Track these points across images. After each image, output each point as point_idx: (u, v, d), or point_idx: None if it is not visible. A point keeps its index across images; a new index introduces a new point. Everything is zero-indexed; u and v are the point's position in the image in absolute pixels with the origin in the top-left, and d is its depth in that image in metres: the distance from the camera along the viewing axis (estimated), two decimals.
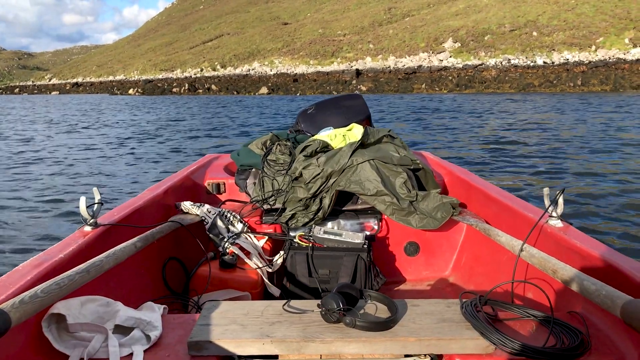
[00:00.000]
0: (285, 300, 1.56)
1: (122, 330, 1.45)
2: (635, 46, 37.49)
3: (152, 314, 1.53)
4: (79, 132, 17.14)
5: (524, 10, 49.20)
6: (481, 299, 1.53)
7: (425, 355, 1.41)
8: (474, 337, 1.36)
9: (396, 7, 73.93)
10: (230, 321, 1.46)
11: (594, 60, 36.97)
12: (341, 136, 2.74)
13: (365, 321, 1.40)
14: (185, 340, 1.39)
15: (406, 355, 1.41)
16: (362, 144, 2.62)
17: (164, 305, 1.65)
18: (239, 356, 1.40)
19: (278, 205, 2.57)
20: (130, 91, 59.04)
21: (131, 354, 1.35)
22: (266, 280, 2.24)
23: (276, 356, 1.40)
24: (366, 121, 3.22)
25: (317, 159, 2.51)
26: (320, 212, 2.47)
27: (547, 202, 1.88)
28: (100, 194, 1.90)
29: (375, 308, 1.54)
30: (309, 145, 2.64)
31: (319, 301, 1.48)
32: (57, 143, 13.84)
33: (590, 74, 35.31)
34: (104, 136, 15.37)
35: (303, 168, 2.49)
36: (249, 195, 2.74)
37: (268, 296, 2.23)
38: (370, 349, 1.37)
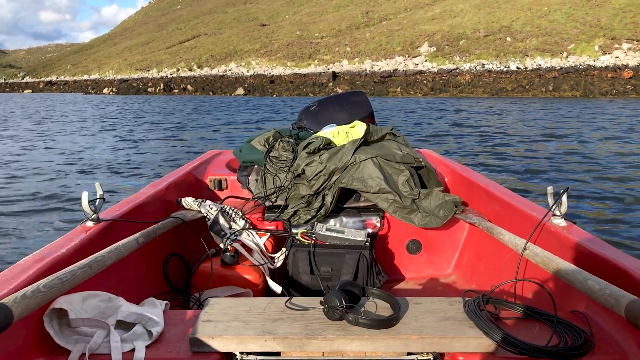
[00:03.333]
0: (288, 297, 1.56)
1: (124, 325, 1.45)
2: (604, 53, 38.03)
3: (154, 309, 1.53)
4: (71, 128, 17.17)
5: (498, 16, 49.52)
6: (484, 297, 1.53)
7: (427, 353, 1.40)
8: (476, 336, 1.36)
9: (373, 10, 73.94)
10: (232, 318, 1.46)
11: (565, 67, 37.44)
12: (344, 133, 2.73)
13: (367, 319, 1.39)
14: (187, 337, 1.38)
15: (408, 353, 1.40)
16: (365, 142, 2.61)
17: (166, 301, 1.64)
18: (241, 352, 1.40)
19: (280, 202, 2.56)
20: (105, 90, 58.54)
21: (133, 350, 1.35)
22: (268, 278, 2.23)
23: (278, 353, 1.40)
24: (369, 118, 3.20)
25: (319, 156, 2.50)
26: (323, 209, 2.46)
27: (550, 201, 1.87)
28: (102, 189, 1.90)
29: (377, 306, 1.54)
30: (312, 142, 2.64)
31: (321, 298, 1.47)
32: (53, 139, 13.88)
33: (562, 79, 35.83)
34: (101, 132, 15.43)
35: (306, 165, 2.48)
36: (251, 191, 2.73)
37: (270, 293, 2.22)
38: (373, 347, 1.37)
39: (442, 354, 1.41)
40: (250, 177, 2.79)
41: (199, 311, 1.53)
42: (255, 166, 2.81)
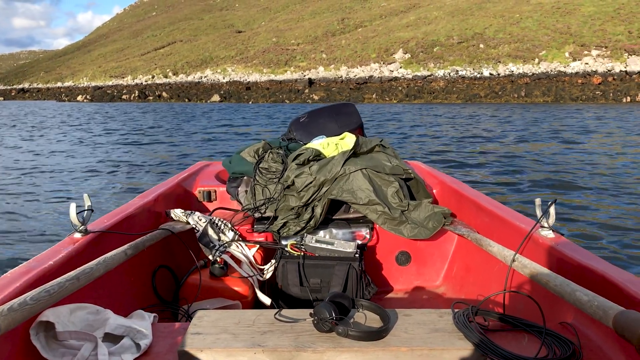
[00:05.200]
0: (277, 309, 1.55)
1: (112, 338, 1.43)
2: (574, 60, 38.92)
3: (142, 322, 1.52)
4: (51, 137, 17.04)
5: (471, 23, 50.17)
6: (473, 309, 1.53)
7: None
8: (466, 348, 1.36)
9: (349, 17, 73.92)
10: (221, 330, 1.45)
11: (537, 73, 38.13)
12: (334, 145, 2.74)
13: (357, 331, 1.39)
14: (175, 349, 1.37)
15: None
16: (355, 153, 2.62)
17: (154, 314, 1.63)
18: None
19: (270, 214, 2.56)
20: (79, 98, 57.34)
21: None
22: (257, 290, 2.22)
23: None
24: (358, 130, 3.22)
25: (309, 168, 2.51)
26: (312, 220, 2.46)
27: (538, 213, 1.88)
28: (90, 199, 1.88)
29: (367, 317, 1.53)
30: (302, 153, 2.64)
31: (310, 310, 1.47)
32: (38, 148, 13.77)
33: (534, 85, 36.60)
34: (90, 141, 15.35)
35: (295, 176, 2.48)
36: (241, 203, 2.73)
37: (259, 305, 2.21)
38: (363, 359, 1.37)
39: None
40: (239, 189, 2.79)
41: (187, 323, 1.52)
42: (245, 177, 2.81)
